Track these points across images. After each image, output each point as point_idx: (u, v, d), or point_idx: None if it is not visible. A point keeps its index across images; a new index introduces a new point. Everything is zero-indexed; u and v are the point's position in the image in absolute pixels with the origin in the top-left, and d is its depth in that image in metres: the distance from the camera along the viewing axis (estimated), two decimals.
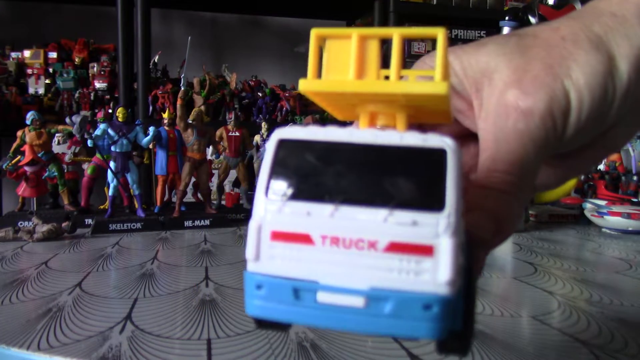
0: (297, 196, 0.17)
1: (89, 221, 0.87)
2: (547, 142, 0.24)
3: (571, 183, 0.91)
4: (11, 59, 1.50)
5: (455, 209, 0.16)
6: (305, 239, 0.17)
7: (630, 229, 0.81)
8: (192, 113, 0.95)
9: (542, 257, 0.64)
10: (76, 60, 1.51)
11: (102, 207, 1.02)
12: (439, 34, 0.18)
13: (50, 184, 1.03)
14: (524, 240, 0.77)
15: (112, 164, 0.89)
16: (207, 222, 0.89)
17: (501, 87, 0.24)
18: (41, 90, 1.48)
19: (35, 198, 1.01)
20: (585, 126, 0.24)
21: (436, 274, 0.16)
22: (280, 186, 0.18)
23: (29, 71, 1.48)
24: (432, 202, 0.17)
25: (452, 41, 1.86)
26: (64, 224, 0.78)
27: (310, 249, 0.17)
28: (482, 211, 0.22)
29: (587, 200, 0.98)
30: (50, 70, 1.50)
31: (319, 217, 0.17)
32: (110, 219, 0.85)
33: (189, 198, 1.07)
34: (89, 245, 0.72)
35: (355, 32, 0.19)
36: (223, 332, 0.35)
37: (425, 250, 0.16)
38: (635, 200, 0.96)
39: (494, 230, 0.23)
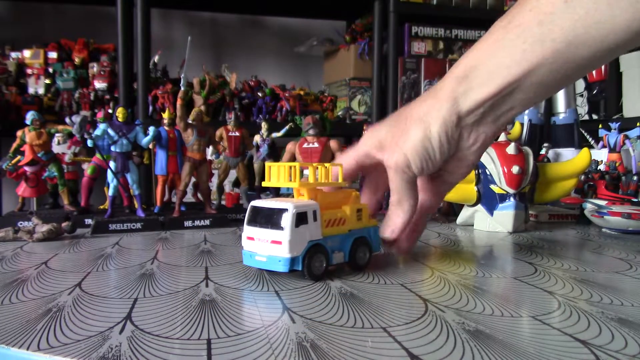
0: (249, 223, 0.52)
1: (88, 221, 0.87)
2: (406, 177, 0.49)
3: (571, 183, 0.91)
4: (11, 59, 1.50)
5: (290, 229, 0.48)
6: (252, 238, 0.52)
7: (630, 229, 0.81)
8: (192, 113, 0.95)
9: (542, 257, 0.64)
10: (76, 60, 1.51)
11: (102, 207, 1.02)
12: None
13: (50, 184, 1.03)
14: (524, 240, 0.77)
15: (112, 164, 0.89)
16: (207, 222, 0.89)
17: (384, 155, 0.50)
18: (41, 90, 1.48)
19: (35, 198, 1.01)
20: (424, 166, 0.47)
21: (283, 250, 0.49)
22: (248, 220, 0.52)
23: (29, 71, 1.48)
24: (281, 226, 0.49)
25: (452, 41, 1.87)
26: (64, 224, 0.78)
27: (254, 241, 0.52)
28: (385, 219, 0.53)
29: (587, 200, 0.98)
30: (50, 70, 1.50)
31: (255, 231, 0.51)
32: (110, 219, 0.85)
33: (189, 198, 1.07)
34: (89, 245, 0.72)
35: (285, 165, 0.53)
36: (223, 332, 0.35)
37: (281, 242, 0.49)
38: (635, 200, 0.96)
39: (398, 230, 0.52)
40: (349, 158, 0.54)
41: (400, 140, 0.47)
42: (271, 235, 0.49)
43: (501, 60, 0.43)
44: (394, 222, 0.52)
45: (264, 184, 0.55)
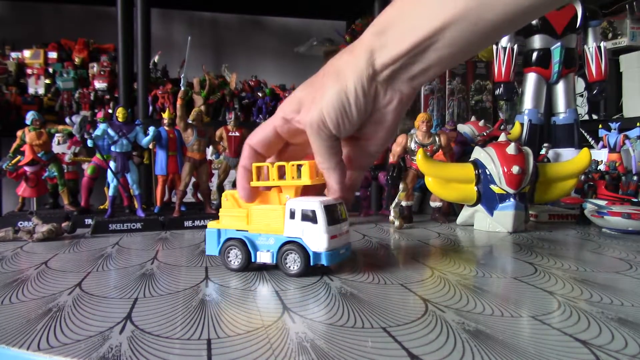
0: (331, 223, 0.52)
1: (89, 221, 0.87)
2: (324, 136, 0.47)
3: (571, 183, 0.91)
4: (11, 59, 1.50)
5: (324, 222, 0.50)
6: (335, 236, 0.53)
7: (630, 229, 0.81)
8: (192, 113, 0.95)
9: (542, 257, 0.64)
10: (76, 60, 1.51)
11: (102, 207, 1.02)
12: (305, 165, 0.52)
13: (50, 184, 1.03)
14: (524, 240, 0.77)
15: (112, 164, 0.89)
16: (207, 222, 0.89)
17: (301, 115, 0.47)
18: (41, 90, 1.48)
19: (35, 198, 1.01)
20: (340, 123, 0.46)
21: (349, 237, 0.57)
22: (329, 221, 0.53)
23: (29, 71, 1.48)
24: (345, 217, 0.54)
25: None
26: (64, 224, 0.78)
27: (336, 239, 0.53)
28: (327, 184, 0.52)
29: (587, 200, 0.98)
30: (50, 70, 1.49)
31: (335, 228, 0.53)
32: (110, 219, 0.85)
33: (189, 198, 1.07)
34: (89, 245, 0.72)
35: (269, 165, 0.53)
36: (223, 332, 0.35)
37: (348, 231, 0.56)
38: (635, 200, 0.96)
39: (337, 189, 0.51)
40: (267, 126, 0.51)
41: (317, 96, 0.46)
42: (344, 227, 0.54)
43: (416, 16, 0.43)
44: (331, 183, 0.51)
45: (252, 184, 0.53)
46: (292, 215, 0.52)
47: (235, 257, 0.55)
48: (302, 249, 0.51)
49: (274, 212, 0.53)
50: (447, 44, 0.42)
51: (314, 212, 0.50)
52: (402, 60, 0.44)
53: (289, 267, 0.52)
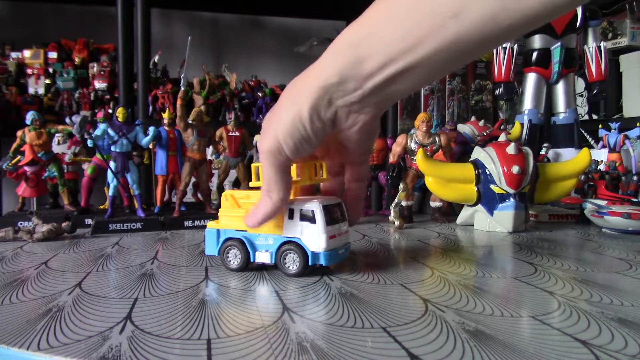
0: (329, 224, 0.52)
1: (89, 221, 0.87)
2: (277, 163, 0.46)
3: (571, 183, 0.91)
4: (11, 59, 1.50)
5: (322, 222, 0.50)
6: (334, 236, 0.53)
7: (630, 229, 0.81)
8: (192, 113, 0.95)
9: (542, 257, 0.64)
10: (76, 60, 1.51)
11: (102, 207, 1.02)
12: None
13: (50, 184, 1.03)
14: (524, 240, 0.77)
15: (112, 164, 0.89)
16: (207, 222, 0.89)
17: (263, 137, 0.46)
18: (41, 90, 1.48)
19: (35, 198, 1.01)
20: (299, 148, 0.45)
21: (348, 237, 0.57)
22: (327, 221, 0.52)
23: (29, 71, 1.48)
24: (344, 216, 0.54)
25: None
26: (64, 224, 0.78)
27: (335, 239, 0.53)
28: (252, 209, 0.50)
29: (587, 200, 0.98)
30: (50, 70, 1.49)
31: (334, 228, 0.53)
32: (110, 219, 0.85)
33: (189, 198, 1.07)
34: (89, 245, 0.72)
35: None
36: (223, 332, 0.35)
37: (348, 231, 0.56)
38: (635, 200, 0.96)
39: (259, 220, 0.49)
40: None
41: (273, 122, 0.45)
42: (343, 227, 0.54)
43: (378, 42, 0.39)
44: (260, 211, 0.48)
45: (251, 184, 0.54)
46: (291, 215, 0.52)
47: (234, 257, 0.55)
48: (300, 249, 0.51)
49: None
50: (416, 75, 0.40)
51: (313, 212, 0.50)
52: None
53: (288, 267, 0.52)
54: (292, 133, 0.44)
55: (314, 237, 0.51)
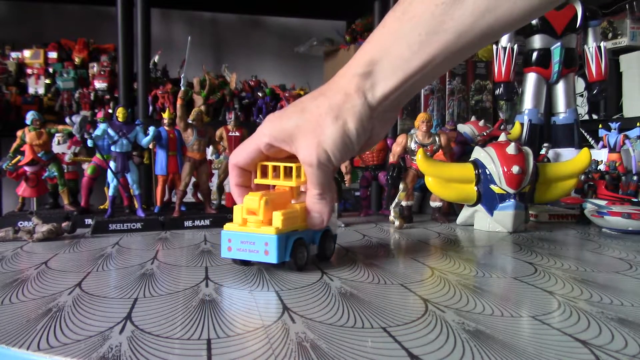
0: None
1: (89, 221, 0.87)
2: (328, 171, 0.50)
3: (571, 183, 0.91)
4: (11, 59, 1.50)
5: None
6: None
7: (630, 229, 0.81)
8: (192, 113, 0.95)
9: (542, 257, 0.64)
10: (76, 60, 1.51)
11: (102, 207, 1.02)
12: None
13: (50, 184, 1.03)
14: (524, 240, 0.77)
15: (112, 164, 0.89)
16: (207, 222, 0.89)
17: (300, 150, 0.49)
18: (41, 90, 1.48)
19: (35, 198, 1.01)
20: (344, 158, 0.50)
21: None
22: None
23: (29, 71, 1.48)
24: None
25: None
26: (64, 224, 0.78)
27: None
28: (312, 212, 0.54)
29: (587, 200, 0.98)
30: (50, 70, 1.49)
31: None
32: (110, 219, 0.85)
33: (189, 198, 1.07)
34: (89, 245, 0.72)
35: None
36: (223, 332, 0.35)
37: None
38: (635, 200, 0.96)
39: (326, 220, 0.54)
40: (249, 147, 0.53)
41: (317, 135, 0.48)
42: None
43: (400, 53, 0.46)
44: (324, 213, 0.54)
45: (256, 181, 0.55)
46: None
47: (303, 257, 0.55)
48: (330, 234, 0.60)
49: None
50: (435, 70, 0.46)
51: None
52: (394, 96, 0.48)
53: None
54: (340, 146, 0.48)
55: (334, 221, 0.60)
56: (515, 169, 0.83)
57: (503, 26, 0.43)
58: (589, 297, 0.45)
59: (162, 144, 0.94)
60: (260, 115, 1.56)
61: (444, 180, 0.89)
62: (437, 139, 0.96)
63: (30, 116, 0.96)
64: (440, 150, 0.97)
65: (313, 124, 0.48)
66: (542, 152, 1.17)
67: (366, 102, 0.47)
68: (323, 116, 0.48)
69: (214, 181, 1.11)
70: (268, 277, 0.52)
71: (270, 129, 0.51)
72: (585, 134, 1.40)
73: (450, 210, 1.06)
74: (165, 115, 0.95)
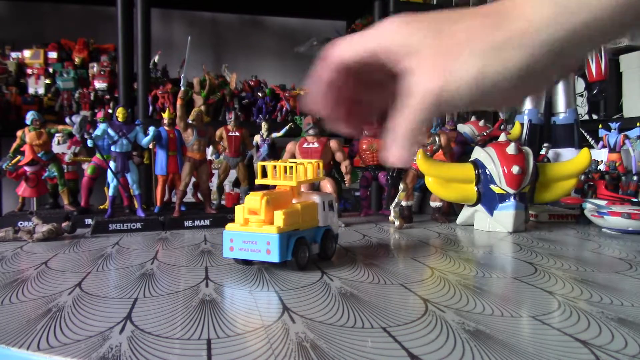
0: None
1: (89, 221, 0.87)
2: (435, 112, 0.35)
3: (571, 183, 0.91)
4: (11, 59, 1.50)
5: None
6: None
7: (630, 229, 0.81)
8: (192, 113, 0.95)
9: (542, 257, 0.64)
10: (76, 60, 1.51)
11: (102, 207, 1.02)
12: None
13: (50, 184, 1.03)
14: (524, 240, 0.77)
15: (112, 164, 0.89)
16: (207, 222, 0.89)
17: (417, 73, 0.35)
18: (41, 90, 1.48)
19: (35, 198, 1.01)
20: (457, 107, 0.35)
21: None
22: None
23: (29, 71, 1.48)
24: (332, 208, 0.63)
25: None
26: (64, 224, 0.78)
27: None
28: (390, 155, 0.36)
29: (587, 200, 0.98)
30: (50, 70, 1.49)
31: None
32: (110, 219, 0.85)
33: (189, 198, 1.07)
34: (89, 245, 0.72)
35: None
36: (223, 332, 0.35)
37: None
38: (635, 200, 0.96)
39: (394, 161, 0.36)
40: (360, 44, 0.36)
41: (447, 62, 0.34)
42: None
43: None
44: (399, 161, 0.36)
45: (257, 182, 0.55)
46: (324, 206, 0.59)
47: (304, 256, 0.56)
48: (332, 234, 0.61)
49: (312, 206, 0.57)
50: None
51: (331, 201, 0.60)
52: (576, 39, 0.32)
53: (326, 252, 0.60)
54: (472, 88, 0.34)
55: (335, 220, 0.61)
56: (515, 169, 0.83)
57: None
58: (589, 297, 0.45)
59: (162, 144, 0.94)
60: (260, 115, 1.55)
61: (444, 180, 0.89)
62: (437, 139, 0.96)
63: (30, 116, 0.96)
64: (440, 150, 0.97)
65: (448, 48, 0.35)
66: (542, 152, 1.17)
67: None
68: (462, 44, 0.34)
69: (214, 181, 1.11)
70: (268, 277, 0.52)
71: (389, 31, 0.36)
72: (585, 134, 1.40)
73: (450, 210, 1.06)
74: (165, 115, 0.95)
